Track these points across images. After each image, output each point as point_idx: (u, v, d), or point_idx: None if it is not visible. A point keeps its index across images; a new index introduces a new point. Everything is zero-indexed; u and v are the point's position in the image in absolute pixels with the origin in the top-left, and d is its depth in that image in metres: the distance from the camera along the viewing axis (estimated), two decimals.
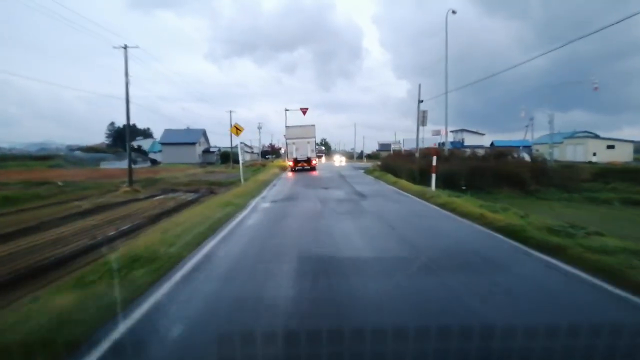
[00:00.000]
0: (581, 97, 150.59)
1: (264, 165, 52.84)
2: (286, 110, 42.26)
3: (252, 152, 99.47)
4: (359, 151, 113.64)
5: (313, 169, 33.89)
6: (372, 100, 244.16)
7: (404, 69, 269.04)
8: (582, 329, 3.68)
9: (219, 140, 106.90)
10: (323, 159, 57.14)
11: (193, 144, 75.57)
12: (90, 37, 73.82)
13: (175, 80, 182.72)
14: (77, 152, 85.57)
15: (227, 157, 72.38)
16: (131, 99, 23.79)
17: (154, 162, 77.67)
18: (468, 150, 35.99)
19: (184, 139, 75.24)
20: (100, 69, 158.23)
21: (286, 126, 35.84)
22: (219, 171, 50.14)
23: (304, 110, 37.52)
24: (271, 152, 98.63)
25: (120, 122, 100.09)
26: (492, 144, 72.28)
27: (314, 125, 35.52)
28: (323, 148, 60.37)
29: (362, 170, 31.28)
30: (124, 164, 66.66)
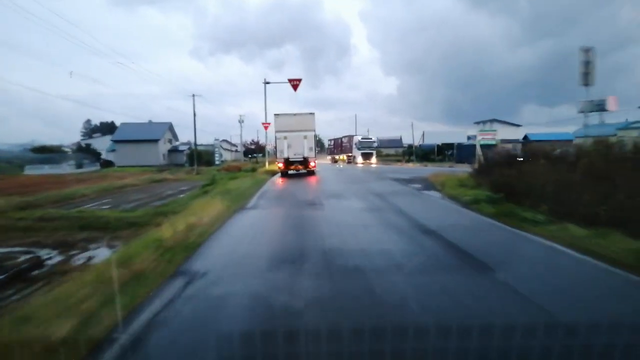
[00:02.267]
0: (568, 92, 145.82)
1: (238, 169, 38.47)
2: (265, 83, 26.57)
3: (235, 151, 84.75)
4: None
5: (312, 173, 22.15)
6: (361, 97, 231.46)
7: (392, 66, 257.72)
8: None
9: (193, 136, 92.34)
10: (373, 159, 44.15)
11: (155, 141, 60.60)
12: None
13: (160, 77, 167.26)
14: (29, 154, 70.05)
15: (197, 157, 57.72)
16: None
17: (109, 164, 62.47)
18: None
19: (144, 134, 60.25)
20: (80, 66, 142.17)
21: (275, 115, 22.36)
22: (173, 179, 35.56)
23: (295, 83, 23.38)
24: (256, 150, 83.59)
25: (97, 119, 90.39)
26: (525, 137, 58.69)
27: (312, 114, 22.32)
28: (375, 143, 47.38)
29: (417, 186, 14.90)
30: (55, 169, 52.12)
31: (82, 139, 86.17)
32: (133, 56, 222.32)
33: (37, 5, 59.03)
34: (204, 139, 71.62)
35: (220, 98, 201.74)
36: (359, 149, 44.63)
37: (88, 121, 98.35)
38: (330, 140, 63.64)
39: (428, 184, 14.98)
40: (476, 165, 13.40)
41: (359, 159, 43.56)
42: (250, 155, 78.00)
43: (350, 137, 48.93)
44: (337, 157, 54.56)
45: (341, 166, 37.68)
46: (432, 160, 55.06)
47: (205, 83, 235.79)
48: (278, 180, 19.14)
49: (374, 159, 44.44)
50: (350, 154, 47.01)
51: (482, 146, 25.38)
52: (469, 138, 56.28)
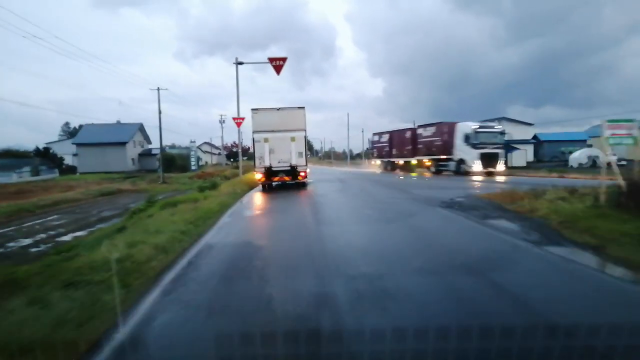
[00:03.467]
0: (553, 93, 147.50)
1: (212, 177, 32.31)
2: (237, 64, 18.90)
3: (218, 154, 78.06)
4: (360, 151, 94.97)
5: (302, 185, 17.19)
6: (348, 99, 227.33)
7: (379, 67, 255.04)
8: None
9: (174, 139, 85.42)
10: (500, 165, 25.15)
11: (122, 144, 53.73)
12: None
13: (144, 80, 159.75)
14: None
15: (170, 162, 51.12)
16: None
17: (71, 170, 55.37)
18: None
19: (110, 137, 53.41)
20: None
21: (252, 110, 16.64)
22: (132, 190, 29.20)
23: (278, 63, 17.14)
24: (237, 153, 77.28)
25: (76, 122, 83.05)
26: (534, 137, 53.72)
27: (302, 109, 16.72)
28: (503, 136, 27.15)
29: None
30: (4, 177, 44.97)
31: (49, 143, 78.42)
32: (115, 58, 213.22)
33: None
34: (186, 142, 65.25)
35: (205, 100, 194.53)
36: (473, 145, 24.60)
37: (67, 124, 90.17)
38: (377, 135, 39.11)
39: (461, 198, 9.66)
40: (621, 181, 7.44)
41: (474, 164, 24.25)
42: (232, 159, 71.48)
43: (445, 126, 27.68)
44: (398, 160, 33.57)
45: (425, 178, 24.06)
46: None
47: (190, 85, 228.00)
48: (255, 200, 12.57)
49: (501, 166, 25.29)
50: (445, 157, 26.98)
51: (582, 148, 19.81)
52: None
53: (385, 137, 36.29)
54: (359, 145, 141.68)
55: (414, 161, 30.74)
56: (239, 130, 19.13)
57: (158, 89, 34.18)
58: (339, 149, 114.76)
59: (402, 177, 25.28)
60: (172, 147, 71.00)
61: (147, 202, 11.88)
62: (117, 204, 19.96)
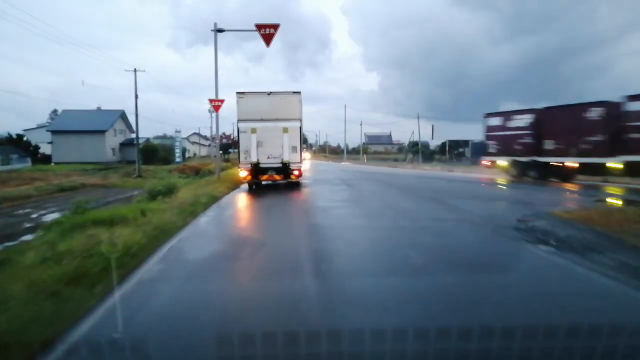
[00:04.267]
0: (547, 90, 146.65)
1: (197, 171, 28.83)
2: (216, 31, 14.43)
3: (209, 145, 73.63)
4: (357, 146, 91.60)
5: (295, 185, 14.53)
6: (342, 92, 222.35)
7: (374, 61, 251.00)
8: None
9: (165, 129, 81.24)
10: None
11: (101, 132, 49.57)
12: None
13: (136, 68, 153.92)
14: None
15: (152, 153, 47.19)
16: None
17: (46, 159, 51.11)
18: None
19: (88, 124, 49.19)
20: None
21: (238, 94, 13.77)
22: (99, 184, 25.44)
23: (267, 31, 13.18)
24: (231, 144, 73.05)
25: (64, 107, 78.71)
26: None
27: (298, 94, 14.01)
28: None
29: None
30: None
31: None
32: (107, 46, 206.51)
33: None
34: (164, 130, 61.07)
35: (199, 91, 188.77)
36: None
37: (54, 111, 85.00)
38: (499, 116, 20.92)
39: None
40: None
41: None
42: (222, 151, 67.39)
43: None
44: (560, 160, 17.41)
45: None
46: (440, 161, 46.07)
47: (184, 76, 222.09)
48: (222, 220, 8.30)
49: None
50: None
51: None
52: None
53: (524, 120, 19.60)
54: (353, 138, 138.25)
55: (613, 163, 15.20)
56: (216, 116, 15.25)
57: (135, 70, 30.24)
58: (333, 142, 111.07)
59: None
60: (164, 137, 66.71)
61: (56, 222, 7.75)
62: (65, 206, 16.19)
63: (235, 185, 15.03)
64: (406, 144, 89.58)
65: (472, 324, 3.08)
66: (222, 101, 14.49)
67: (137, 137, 35.27)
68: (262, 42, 14.04)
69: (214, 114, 56.06)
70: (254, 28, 13.59)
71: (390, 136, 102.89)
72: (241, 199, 11.79)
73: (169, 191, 8.63)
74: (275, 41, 14.20)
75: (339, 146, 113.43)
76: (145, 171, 32.50)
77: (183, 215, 6.69)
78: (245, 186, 14.48)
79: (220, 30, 14.46)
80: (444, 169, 29.78)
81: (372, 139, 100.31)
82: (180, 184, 15.10)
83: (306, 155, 53.66)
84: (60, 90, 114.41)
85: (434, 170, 28.50)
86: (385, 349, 2.77)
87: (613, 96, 16.00)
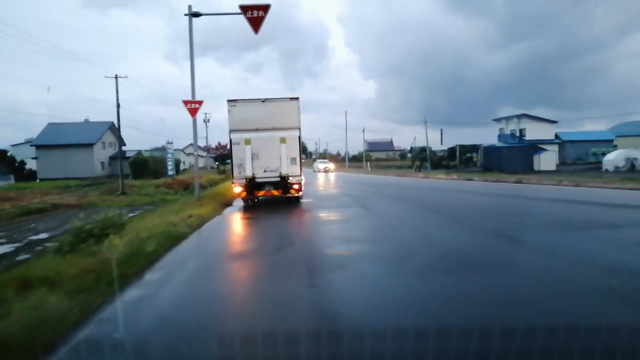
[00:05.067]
0: (542, 95, 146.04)
1: (186, 186, 26.38)
2: (190, 15, 11.82)
3: (206, 156, 70.87)
4: (358, 153, 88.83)
5: (295, 200, 13.25)
6: (340, 100, 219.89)
7: (371, 69, 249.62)
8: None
9: (161, 142, 78.82)
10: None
11: (89, 145, 46.89)
12: None
13: (135, 82, 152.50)
14: None
15: (142, 166, 44.42)
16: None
17: (32, 176, 48.40)
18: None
19: (74, 138, 46.52)
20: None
21: (229, 102, 12.40)
22: (73, 205, 22.66)
23: (255, 14, 10.57)
24: (227, 155, 70.54)
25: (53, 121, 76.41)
26: (555, 136, 47.61)
27: (296, 100, 12.73)
28: None
29: None
30: None
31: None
32: (106, 59, 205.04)
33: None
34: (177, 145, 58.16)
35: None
36: None
37: (51, 125, 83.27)
38: None
39: None
40: None
41: None
42: (219, 162, 64.66)
43: None
44: None
45: None
46: (448, 168, 43.20)
47: (182, 87, 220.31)
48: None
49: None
50: None
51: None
52: (501, 138, 44.25)
53: None
54: (352, 146, 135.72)
55: None
56: (194, 122, 12.20)
57: (116, 76, 27.56)
58: (332, 150, 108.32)
59: None
60: (162, 149, 63.82)
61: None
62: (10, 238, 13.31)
63: (218, 208, 12.16)
64: (409, 150, 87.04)
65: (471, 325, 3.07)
66: (199, 103, 11.62)
67: (120, 149, 32.69)
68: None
69: (212, 125, 52.86)
70: (239, 11, 10.81)
71: (391, 142, 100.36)
72: (214, 238, 8.23)
73: (111, 228, 5.65)
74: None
75: (338, 154, 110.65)
76: (130, 187, 29.69)
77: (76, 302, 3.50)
78: (229, 211, 11.90)
79: (196, 15, 11.67)
80: (461, 177, 26.80)
81: (373, 146, 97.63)
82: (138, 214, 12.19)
83: (330, 165, 48.90)
84: (58, 104, 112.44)
85: (451, 180, 25.51)
86: (385, 349, 2.71)
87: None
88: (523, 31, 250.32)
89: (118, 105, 27.39)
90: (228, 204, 14.24)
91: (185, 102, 11.56)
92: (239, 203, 14.02)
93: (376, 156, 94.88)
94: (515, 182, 21.00)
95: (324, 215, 10.54)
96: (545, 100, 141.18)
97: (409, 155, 71.26)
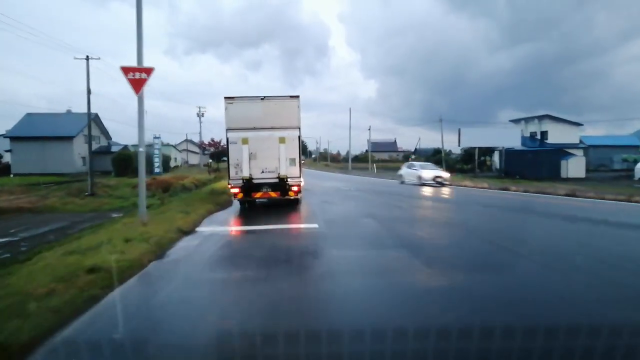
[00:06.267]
0: (544, 97, 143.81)
1: (167, 187, 22.54)
2: None
3: (202, 153, 66.76)
4: (360, 153, 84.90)
5: (295, 202, 12.94)
6: (340, 99, 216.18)
7: (372, 69, 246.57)
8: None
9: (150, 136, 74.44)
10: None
11: (69, 138, 42.85)
12: None
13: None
14: None
15: (126, 163, 40.26)
16: None
17: (5, 170, 44.24)
18: None
19: (53, 130, 42.50)
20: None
21: (226, 99, 12.09)
22: (21, 209, 18.66)
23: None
24: (222, 152, 66.30)
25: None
26: (580, 141, 43.76)
27: (296, 99, 12.32)
28: None
29: None
30: None
31: None
32: (105, 54, 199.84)
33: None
34: (171, 139, 54.16)
35: (197, 99, 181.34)
36: None
37: (29, 114, 78.79)
38: None
39: None
40: None
41: None
42: (210, 161, 60.48)
43: None
44: None
45: None
46: (463, 172, 39.27)
47: (181, 83, 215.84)
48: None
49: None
50: None
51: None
52: (525, 140, 39.83)
53: None
54: (355, 145, 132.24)
55: None
56: (139, 100, 7.81)
57: (87, 57, 23.43)
58: (332, 150, 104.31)
59: None
60: (150, 145, 59.58)
61: None
62: None
63: (187, 228, 8.18)
64: (413, 152, 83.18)
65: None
66: (147, 71, 7.22)
67: (90, 143, 28.66)
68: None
69: (208, 121, 48.51)
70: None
71: (395, 143, 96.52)
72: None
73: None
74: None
75: (338, 153, 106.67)
76: (103, 187, 25.67)
77: None
78: (189, 244, 7.27)
79: None
80: (491, 185, 22.70)
81: (376, 146, 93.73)
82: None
83: (444, 174, 34.08)
84: (58, 98, 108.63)
85: (482, 188, 21.41)
86: (385, 349, 2.72)
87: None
88: (526, 33, 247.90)
89: (89, 91, 23.38)
90: (210, 213, 10.59)
91: (126, 70, 7.47)
92: (220, 217, 10.26)
93: (379, 157, 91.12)
94: (567, 195, 17.06)
95: (332, 250, 6.28)
96: (546, 102, 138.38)
97: (413, 156, 67.26)
